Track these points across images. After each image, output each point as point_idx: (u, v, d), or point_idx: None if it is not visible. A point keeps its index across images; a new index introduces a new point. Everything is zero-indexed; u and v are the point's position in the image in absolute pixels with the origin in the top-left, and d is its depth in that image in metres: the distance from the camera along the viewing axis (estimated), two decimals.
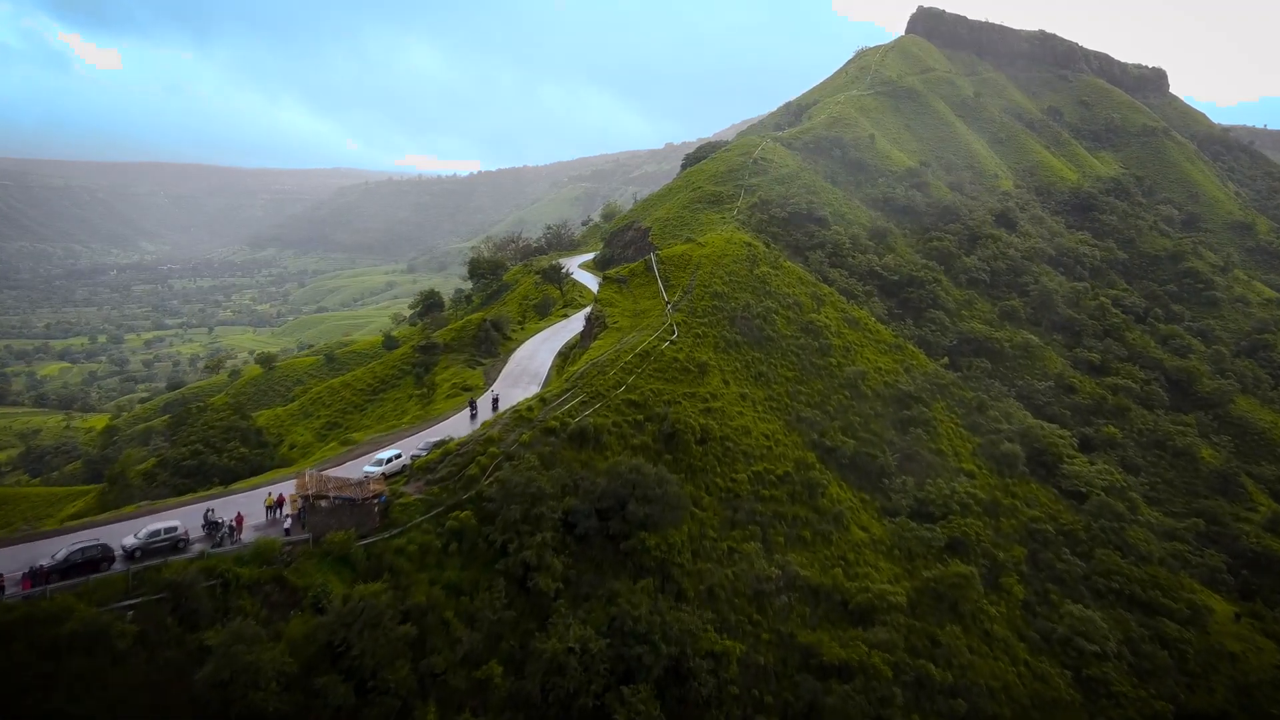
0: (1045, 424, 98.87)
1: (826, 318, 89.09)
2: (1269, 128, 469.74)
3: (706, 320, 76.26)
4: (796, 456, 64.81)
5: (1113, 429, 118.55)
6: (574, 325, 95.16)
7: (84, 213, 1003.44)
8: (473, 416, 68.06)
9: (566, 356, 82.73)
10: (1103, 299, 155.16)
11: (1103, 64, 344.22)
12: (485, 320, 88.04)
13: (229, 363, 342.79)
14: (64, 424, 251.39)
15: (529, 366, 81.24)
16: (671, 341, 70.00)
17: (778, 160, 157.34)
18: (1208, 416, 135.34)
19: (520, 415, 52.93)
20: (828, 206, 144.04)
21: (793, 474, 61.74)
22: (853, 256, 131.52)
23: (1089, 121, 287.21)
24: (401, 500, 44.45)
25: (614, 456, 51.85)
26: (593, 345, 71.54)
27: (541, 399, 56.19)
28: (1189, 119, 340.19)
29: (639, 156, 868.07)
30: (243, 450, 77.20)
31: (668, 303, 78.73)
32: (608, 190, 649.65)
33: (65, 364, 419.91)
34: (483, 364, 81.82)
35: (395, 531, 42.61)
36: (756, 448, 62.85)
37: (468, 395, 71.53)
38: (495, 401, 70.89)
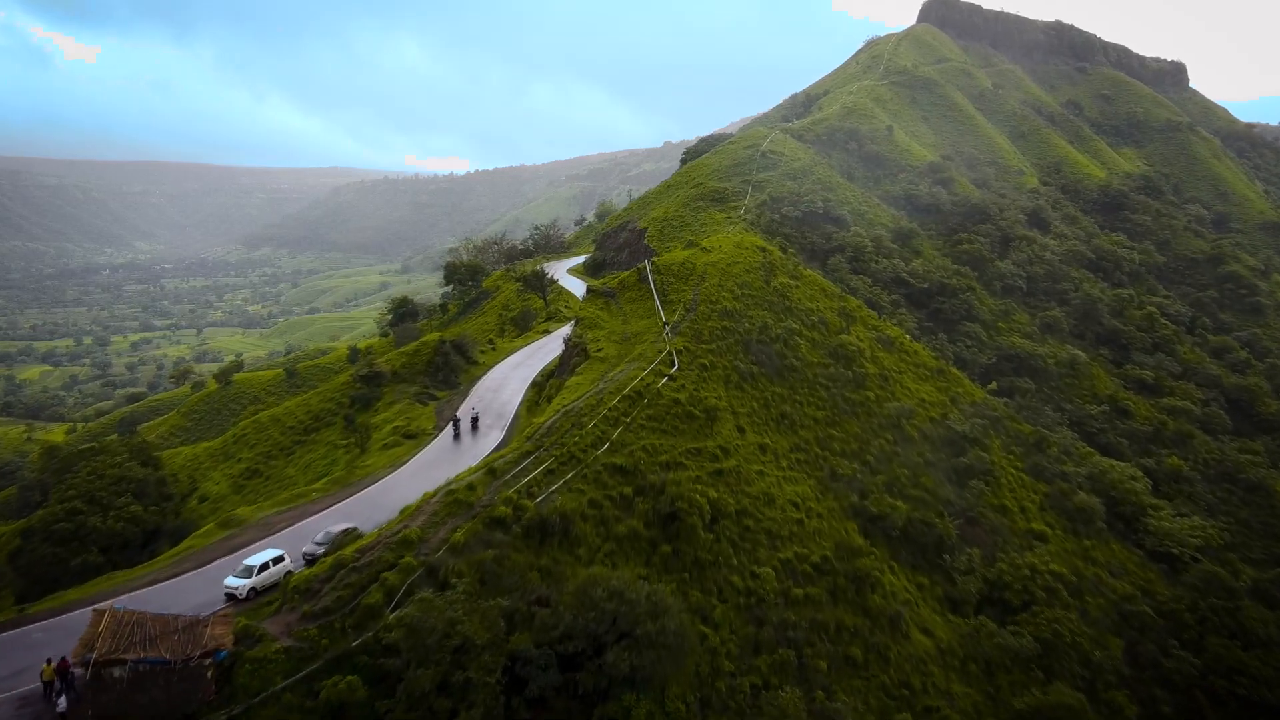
0: (1115, 463, 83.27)
1: (858, 338, 73.42)
2: None
3: (714, 346, 60.59)
4: (835, 533, 49.18)
5: (1176, 460, 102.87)
6: (555, 344, 79.61)
7: (77, 211, 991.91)
8: (456, 437, 58.51)
9: (542, 387, 67.16)
10: (1150, 308, 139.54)
11: (1121, 56, 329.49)
12: (444, 341, 72.21)
13: (199, 368, 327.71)
14: (25, 435, 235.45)
15: (494, 401, 65.67)
16: (670, 377, 54.33)
17: (788, 153, 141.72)
18: (1274, 441, 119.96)
19: (456, 498, 37.25)
20: (846, 205, 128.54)
21: (832, 560, 46.13)
22: (876, 261, 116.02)
23: (1110, 116, 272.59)
24: (255, 653, 28.79)
25: (588, 564, 36.26)
26: (569, 382, 55.81)
27: (490, 469, 40.48)
28: (1210, 114, 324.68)
29: (637, 155, 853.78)
30: (135, 509, 61.54)
31: (665, 324, 63.04)
32: (605, 189, 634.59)
33: (47, 367, 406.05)
34: (437, 398, 66.02)
35: (237, 710, 27.01)
36: (783, 523, 47.24)
37: (411, 444, 55.85)
38: (475, 421, 60.72)
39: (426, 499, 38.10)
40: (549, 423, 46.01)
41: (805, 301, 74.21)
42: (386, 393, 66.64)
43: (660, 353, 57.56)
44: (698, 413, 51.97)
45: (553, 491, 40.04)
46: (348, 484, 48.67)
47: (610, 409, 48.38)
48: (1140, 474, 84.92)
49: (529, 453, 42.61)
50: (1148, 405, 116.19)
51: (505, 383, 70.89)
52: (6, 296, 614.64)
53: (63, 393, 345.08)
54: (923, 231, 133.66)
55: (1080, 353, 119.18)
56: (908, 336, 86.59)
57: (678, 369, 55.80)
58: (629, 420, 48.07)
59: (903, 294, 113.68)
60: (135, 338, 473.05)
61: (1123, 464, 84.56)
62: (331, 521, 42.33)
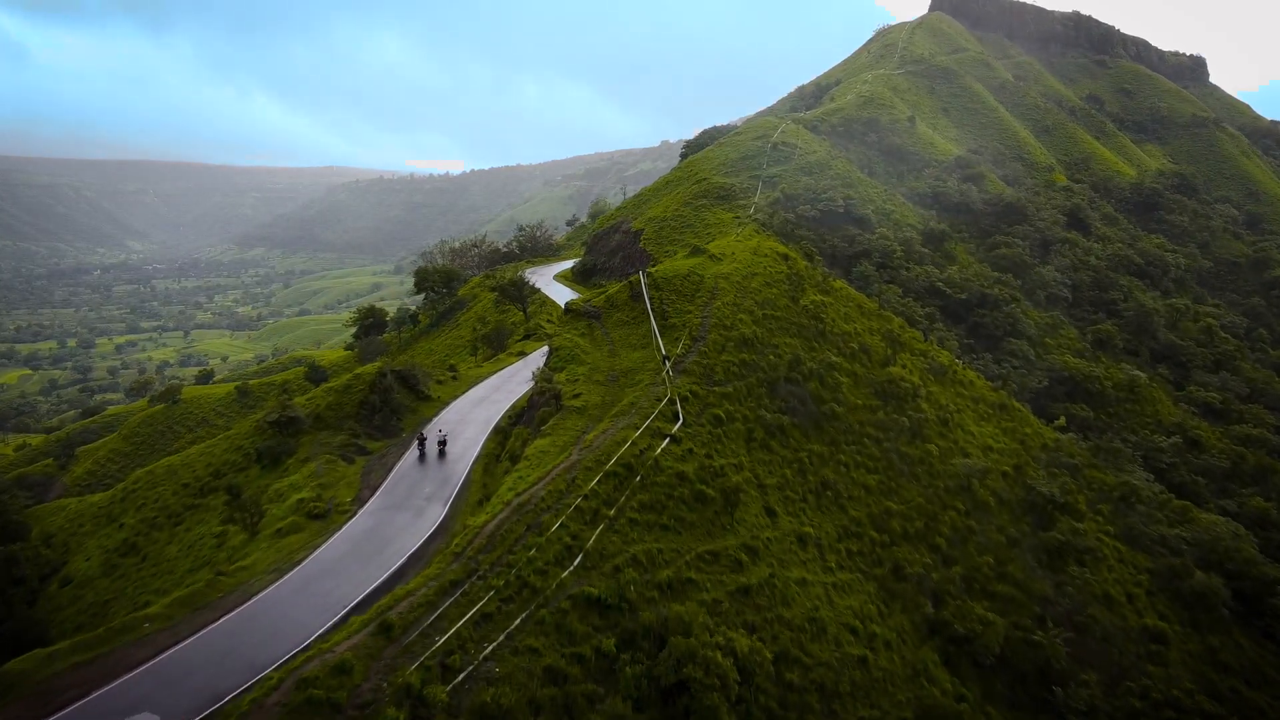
0: (1216, 519, 67.98)
1: (906, 369, 58.21)
2: None
3: (731, 389, 45.36)
4: (911, 672, 34.00)
5: (1260, 501, 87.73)
6: (533, 370, 64.39)
7: (70, 211, 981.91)
8: (421, 457, 49.44)
9: (507, 436, 51.75)
10: (1207, 320, 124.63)
11: (1140, 50, 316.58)
12: (384, 373, 56.77)
13: (183, 372, 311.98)
14: None
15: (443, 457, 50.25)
16: (673, 437, 39.09)
17: (802, 145, 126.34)
18: None
19: (311, 698, 21.93)
20: (869, 204, 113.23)
21: None
22: (906, 268, 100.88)
23: (1132, 111, 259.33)
24: None
25: None
26: (531, 449, 40.34)
27: (383, 624, 25.12)
28: (1233, 110, 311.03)
29: (634, 154, 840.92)
30: None
31: (665, 358, 47.72)
32: (602, 189, 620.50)
33: (27, 370, 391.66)
34: (368, 451, 50.54)
35: None
36: (841, 667, 32.05)
37: (315, 529, 40.38)
38: (443, 445, 49.93)
39: (263, 692, 22.77)
40: (491, 526, 30.64)
41: (841, 323, 58.94)
42: (304, 444, 51.36)
43: (659, 400, 42.27)
44: (711, 492, 36.74)
45: (486, 658, 24.76)
46: (203, 605, 33.41)
47: (586, 495, 33.12)
48: (1244, 530, 69.63)
49: (455, 584, 27.24)
50: (1217, 434, 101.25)
51: (462, 426, 55.49)
52: None
53: (40, 398, 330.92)
54: (954, 234, 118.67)
55: (1140, 372, 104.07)
56: (959, 363, 71.45)
57: (683, 425, 40.54)
58: (613, 513, 32.79)
59: (938, 306, 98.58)
60: (120, 340, 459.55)
61: (1222, 519, 69.40)
62: (144, 688, 27.09)
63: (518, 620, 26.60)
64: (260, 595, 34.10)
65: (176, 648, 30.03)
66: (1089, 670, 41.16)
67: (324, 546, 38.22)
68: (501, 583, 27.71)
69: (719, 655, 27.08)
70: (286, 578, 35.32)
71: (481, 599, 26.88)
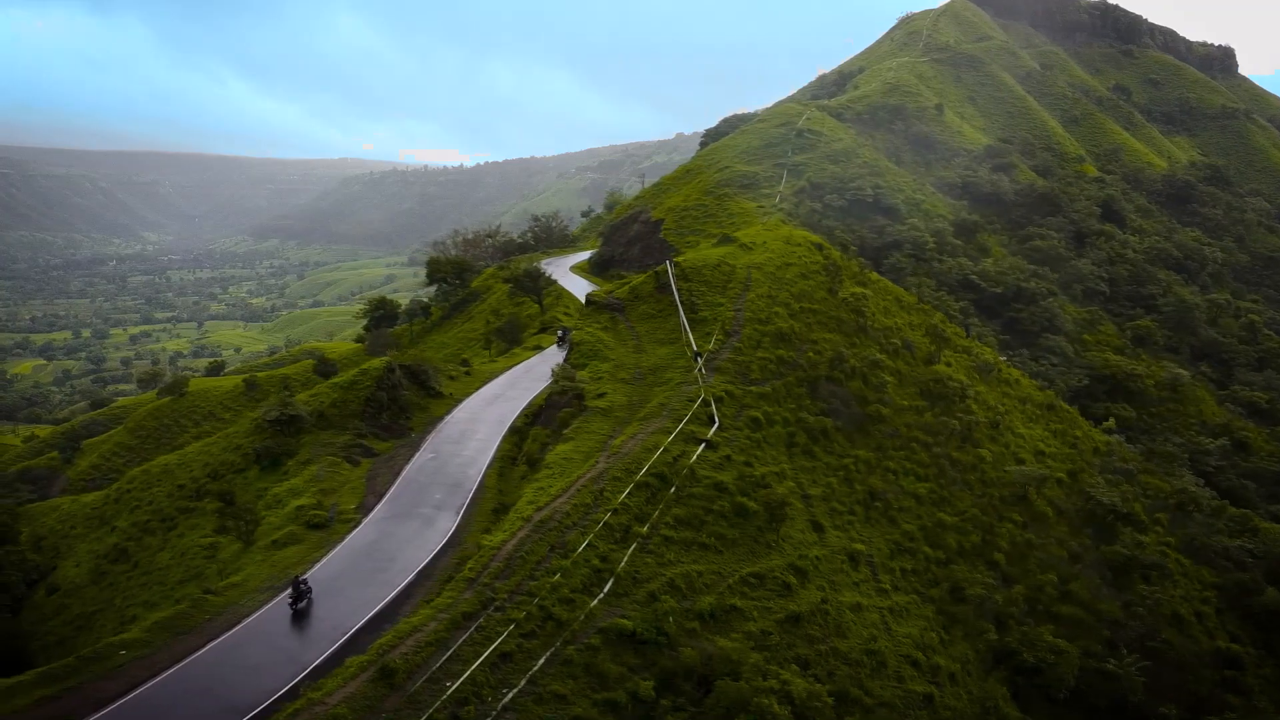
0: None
1: (952, 366, 54.13)
2: None
3: (769, 389, 41.44)
4: (982, 715, 30.11)
5: None
6: (548, 366, 60.58)
7: (86, 202, 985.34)
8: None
9: (523, 437, 47.96)
10: (1250, 316, 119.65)
11: (1168, 39, 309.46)
12: (392, 368, 53.16)
13: (196, 363, 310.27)
14: None
15: (453, 459, 46.41)
16: (709, 443, 35.24)
17: (827, 133, 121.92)
18: None
19: None
20: (898, 193, 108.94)
21: None
22: (939, 260, 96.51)
23: (1159, 102, 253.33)
24: None
25: None
26: (551, 455, 36.62)
27: (384, 670, 21.49)
28: (1262, 102, 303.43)
29: (647, 147, 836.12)
30: None
31: (697, 354, 43.81)
32: (616, 181, 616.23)
33: (41, 361, 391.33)
34: (375, 452, 46.99)
35: None
36: (905, 707, 28.11)
37: (315, 539, 36.74)
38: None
39: None
40: (509, 546, 26.92)
41: (881, 317, 54.88)
42: (305, 444, 47.93)
43: (691, 401, 38.41)
44: (753, 505, 32.90)
45: (506, 707, 21.06)
46: (186, 629, 29.81)
47: (616, 509, 29.34)
48: None
49: (468, 617, 23.54)
50: (1264, 435, 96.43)
51: (474, 425, 51.76)
52: (11, 288, 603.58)
53: (54, 388, 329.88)
54: (986, 225, 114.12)
55: (1182, 371, 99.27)
56: (1004, 360, 67.20)
57: (718, 428, 36.68)
58: (646, 530, 29.00)
59: (972, 300, 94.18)
60: (134, 330, 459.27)
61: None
62: None
63: (541, 660, 22.87)
64: (249, 619, 30.48)
65: (151, 684, 26.46)
66: (1167, 703, 37.15)
67: (323, 562, 34.59)
68: (522, 615, 23.97)
69: (774, 702, 23.27)
70: (279, 598, 31.70)
71: (499, 635, 23.15)
